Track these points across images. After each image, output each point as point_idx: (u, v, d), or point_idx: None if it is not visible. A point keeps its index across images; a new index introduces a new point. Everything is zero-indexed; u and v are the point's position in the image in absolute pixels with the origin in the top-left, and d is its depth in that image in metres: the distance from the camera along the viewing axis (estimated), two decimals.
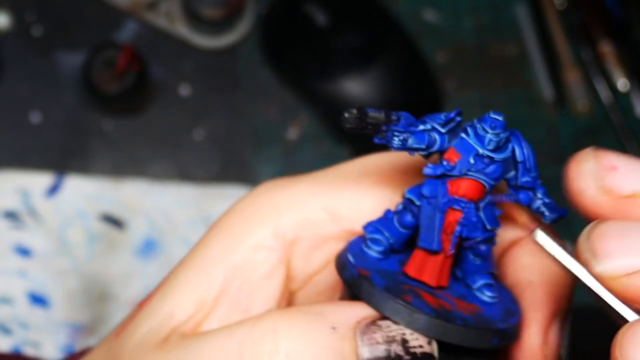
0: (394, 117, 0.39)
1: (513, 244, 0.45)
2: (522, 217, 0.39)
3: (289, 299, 0.46)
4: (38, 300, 0.89)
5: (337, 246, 0.45)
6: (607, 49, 0.99)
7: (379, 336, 0.40)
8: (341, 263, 0.42)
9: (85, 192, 0.92)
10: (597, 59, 1.00)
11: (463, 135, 0.40)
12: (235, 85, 0.97)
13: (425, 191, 0.40)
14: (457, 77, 0.98)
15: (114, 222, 0.91)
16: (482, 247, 0.41)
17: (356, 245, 0.43)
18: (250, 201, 0.46)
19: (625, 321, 0.36)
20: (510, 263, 0.44)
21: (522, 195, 0.41)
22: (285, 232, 0.45)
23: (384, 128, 0.38)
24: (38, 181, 0.92)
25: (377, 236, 0.43)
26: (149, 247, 0.91)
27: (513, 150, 0.40)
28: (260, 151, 0.95)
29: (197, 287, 0.44)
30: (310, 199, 0.45)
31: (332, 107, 0.95)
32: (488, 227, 0.41)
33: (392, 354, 0.40)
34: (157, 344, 0.43)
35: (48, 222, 0.91)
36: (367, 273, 0.41)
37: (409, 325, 0.40)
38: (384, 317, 0.40)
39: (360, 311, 0.41)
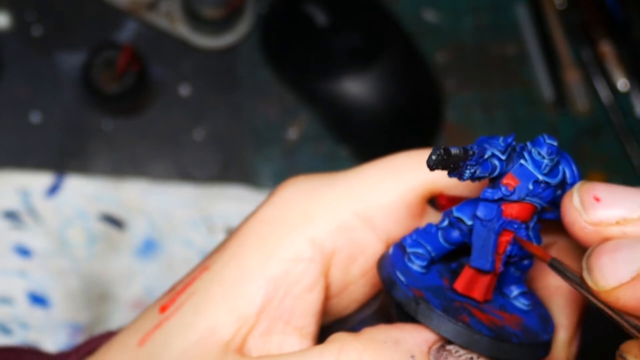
0: (470, 153, 0.39)
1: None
2: (540, 251, 0.41)
3: (324, 306, 0.46)
4: (38, 300, 0.89)
5: (374, 256, 0.45)
6: (607, 49, 0.99)
7: None
8: (390, 280, 0.43)
9: (85, 192, 0.92)
10: (597, 59, 1.00)
11: (522, 162, 0.41)
12: (235, 85, 0.97)
13: (481, 214, 0.41)
14: (457, 77, 0.98)
15: (114, 222, 0.91)
16: (525, 262, 0.43)
17: (398, 259, 0.44)
18: (281, 208, 0.46)
19: (634, 334, 0.38)
20: (539, 267, 0.46)
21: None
22: (323, 242, 0.45)
23: (461, 164, 0.39)
24: (38, 181, 0.92)
25: (419, 250, 0.43)
26: (149, 247, 0.91)
27: (564, 172, 0.41)
28: (260, 151, 0.95)
29: (237, 302, 0.44)
30: (341, 205, 0.45)
31: (332, 107, 0.95)
32: (535, 244, 0.42)
33: None
34: None
35: (48, 222, 0.91)
36: (421, 294, 0.42)
37: (468, 346, 0.41)
38: (449, 341, 0.41)
39: (429, 335, 0.42)
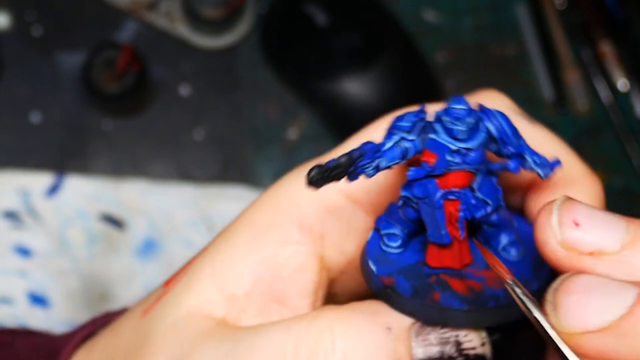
0: (356, 155, 0.39)
1: (535, 180, 0.45)
2: (500, 266, 0.39)
3: (329, 287, 0.47)
4: (38, 300, 0.89)
5: (366, 231, 0.45)
6: (607, 49, 0.99)
7: (433, 337, 0.41)
8: (366, 272, 0.43)
9: (85, 192, 0.92)
10: (597, 59, 1.00)
11: (432, 135, 0.40)
12: (235, 85, 0.97)
13: (417, 193, 0.41)
14: (457, 77, 0.98)
15: (114, 222, 0.91)
16: (493, 217, 0.42)
17: (374, 245, 0.44)
18: (271, 195, 0.47)
19: None
20: (534, 201, 0.45)
21: (511, 163, 0.41)
22: (311, 225, 0.45)
23: (351, 169, 0.38)
24: (38, 181, 0.92)
25: (392, 231, 0.43)
26: (149, 247, 0.91)
27: (488, 129, 0.40)
28: (260, 151, 0.95)
29: (226, 282, 0.45)
30: (326, 186, 0.46)
31: (332, 107, 0.95)
32: (489, 202, 0.41)
33: (445, 356, 0.41)
34: (199, 333, 0.43)
35: (48, 222, 0.91)
36: (391, 281, 0.42)
37: (442, 324, 0.41)
38: None
39: None
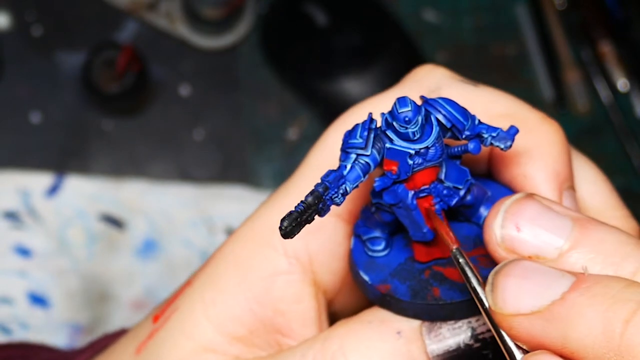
0: (321, 190, 0.38)
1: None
2: (449, 235, 0.39)
3: (329, 306, 0.46)
4: (38, 300, 0.89)
5: (348, 241, 0.45)
6: (607, 49, 0.99)
7: (445, 330, 0.41)
8: (360, 284, 0.43)
9: (85, 192, 0.92)
10: (597, 59, 1.00)
11: (387, 145, 0.39)
12: (235, 85, 0.97)
13: (388, 200, 0.41)
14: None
15: (114, 222, 0.91)
16: (468, 198, 0.42)
17: (360, 253, 0.43)
18: (249, 227, 0.46)
19: (512, 357, 0.36)
20: (499, 161, 0.44)
21: (470, 145, 0.40)
22: (296, 251, 0.44)
23: (320, 206, 0.38)
24: (38, 181, 0.92)
25: (373, 235, 0.43)
26: (148, 247, 0.91)
27: (438, 121, 0.40)
28: (260, 151, 0.95)
29: (224, 325, 0.44)
30: None
31: (332, 107, 0.95)
32: (459, 187, 0.41)
33: (462, 345, 0.41)
34: None
35: (48, 222, 0.91)
36: (388, 287, 0.42)
37: (448, 319, 0.41)
38: None
39: None
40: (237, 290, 0.44)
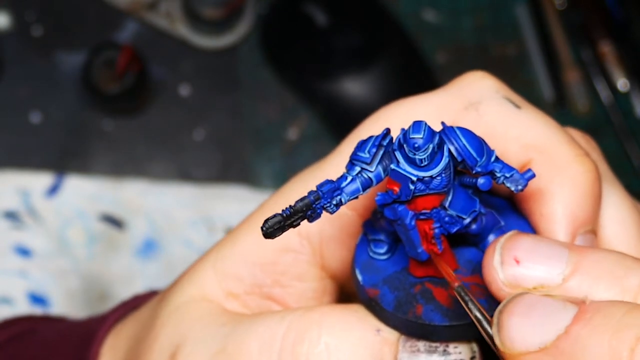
0: (312, 198, 0.38)
1: (523, 167, 0.44)
2: (448, 270, 0.39)
3: (341, 289, 0.47)
4: (38, 300, 0.89)
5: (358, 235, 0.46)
6: (607, 49, 0.99)
7: (421, 345, 0.41)
8: (354, 281, 0.43)
9: (85, 192, 0.92)
10: (597, 59, 1.00)
11: (393, 166, 0.39)
12: (235, 85, 0.97)
13: (388, 215, 0.40)
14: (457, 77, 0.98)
15: (114, 222, 0.91)
16: (473, 227, 0.41)
17: (362, 251, 0.44)
18: (274, 200, 0.47)
19: None
20: (521, 193, 0.44)
21: (481, 181, 0.40)
22: (309, 233, 0.45)
23: (309, 213, 0.38)
24: (38, 181, 0.92)
25: (378, 237, 0.43)
26: (148, 247, 0.91)
27: (449, 152, 0.39)
28: (260, 151, 0.95)
29: (225, 281, 0.46)
30: None
31: (332, 107, 0.95)
32: (464, 216, 0.40)
33: None
34: (200, 315, 0.45)
35: (48, 222, 0.91)
36: (376, 293, 0.42)
37: (424, 338, 0.41)
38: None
39: None
40: (248, 253, 0.46)
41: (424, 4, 1.01)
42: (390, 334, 0.41)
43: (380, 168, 0.40)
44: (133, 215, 0.92)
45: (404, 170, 0.39)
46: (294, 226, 0.38)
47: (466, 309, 0.37)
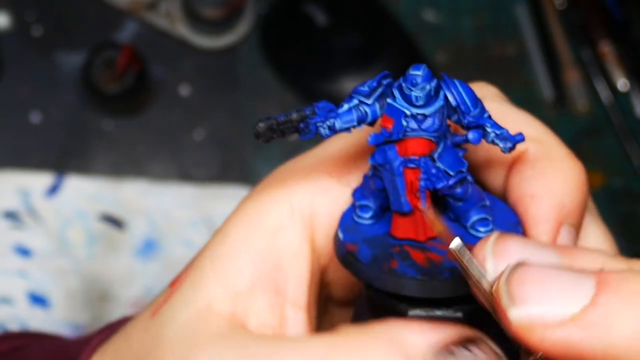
0: (308, 112, 0.39)
1: (517, 159, 0.44)
2: (439, 226, 0.39)
3: (320, 275, 0.46)
4: (38, 300, 0.89)
5: None
6: (607, 49, 0.99)
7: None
8: (335, 242, 0.43)
9: (85, 192, 0.92)
10: (597, 59, 1.00)
11: (389, 100, 0.40)
12: (235, 85, 0.97)
13: (378, 159, 0.41)
14: (457, 77, 0.98)
15: (114, 222, 0.91)
16: (458, 190, 0.41)
17: (347, 216, 0.44)
18: (262, 186, 0.47)
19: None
20: (514, 177, 0.44)
21: (471, 134, 0.40)
22: (301, 207, 0.45)
23: (301, 126, 0.39)
24: (38, 181, 0.92)
25: (364, 202, 0.43)
26: (148, 247, 0.91)
27: (446, 97, 0.40)
28: (260, 151, 0.95)
29: (226, 278, 0.44)
30: (314, 169, 0.46)
31: None
32: (451, 173, 0.41)
33: None
34: (210, 336, 0.43)
35: (48, 222, 0.91)
36: (354, 247, 0.42)
37: (396, 291, 0.40)
38: (459, 342, 0.39)
39: (432, 335, 0.39)
40: (241, 243, 0.45)
41: (424, 4, 1.01)
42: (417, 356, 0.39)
43: (377, 104, 0.40)
44: (133, 215, 0.92)
45: (400, 104, 0.40)
46: (284, 134, 0.39)
47: (463, 266, 0.36)
